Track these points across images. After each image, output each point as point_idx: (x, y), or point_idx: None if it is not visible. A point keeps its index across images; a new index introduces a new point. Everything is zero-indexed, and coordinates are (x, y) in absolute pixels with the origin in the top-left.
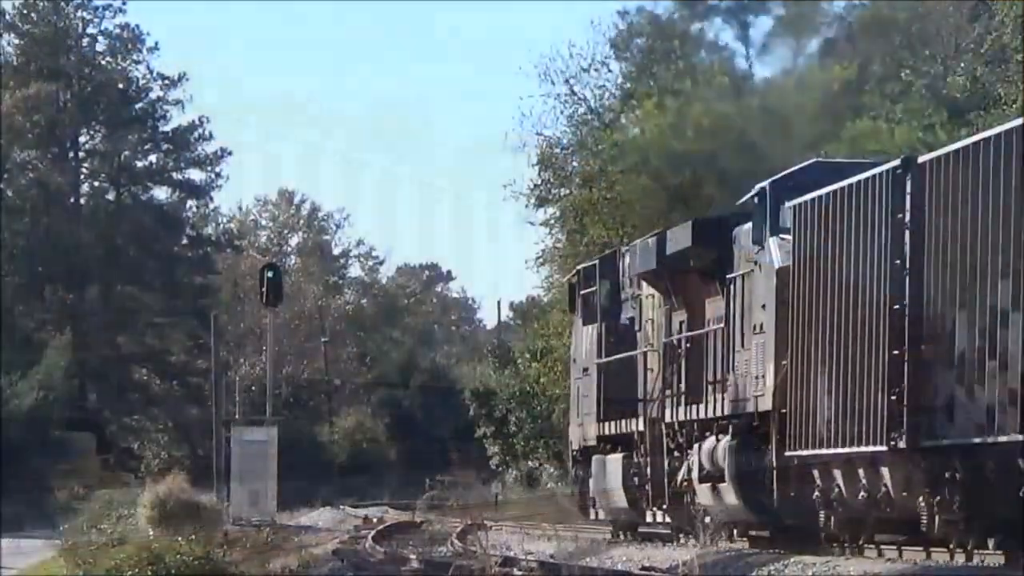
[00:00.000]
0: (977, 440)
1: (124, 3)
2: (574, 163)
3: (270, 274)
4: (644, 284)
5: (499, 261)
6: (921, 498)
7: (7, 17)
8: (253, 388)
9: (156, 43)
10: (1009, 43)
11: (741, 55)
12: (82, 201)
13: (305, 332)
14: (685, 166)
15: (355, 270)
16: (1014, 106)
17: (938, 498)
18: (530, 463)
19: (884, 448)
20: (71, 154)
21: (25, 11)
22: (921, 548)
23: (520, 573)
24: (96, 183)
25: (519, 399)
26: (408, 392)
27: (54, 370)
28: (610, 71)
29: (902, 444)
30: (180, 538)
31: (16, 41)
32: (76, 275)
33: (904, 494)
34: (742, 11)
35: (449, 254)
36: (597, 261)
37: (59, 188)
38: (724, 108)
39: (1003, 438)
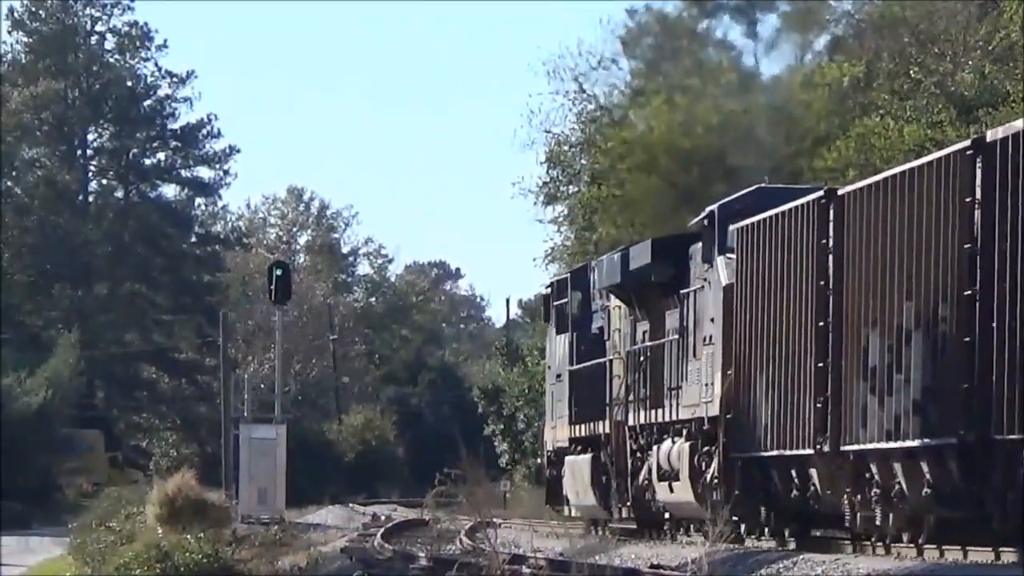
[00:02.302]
0: (886, 444)
1: (132, 1)
2: (583, 161)
3: (279, 272)
4: (612, 296)
5: (508, 259)
6: (844, 496)
7: (15, 15)
8: (262, 386)
9: (164, 41)
10: (1017, 41)
11: (749, 52)
12: (90, 199)
13: (314, 330)
14: (693, 164)
15: (364, 268)
16: (1023, 103)
17: (859, 496)
18: (539, 460)
19: (811, 451)
20: (79, 152)
21: (33, 8)
22: (934, 547)
23: (529, 571)
24: (104, 181)
25: (528, 397)
26: (417, 390)
27: (62, 368)
28: (619, 69)
29: (826, 448)
30: (189, 536)
31: (24, 39)
32: (84, 273)
33: (829, 492)
34: (750, 8)
35: (458, 252)
36: (569, 275)
37: (67, 186)
38: (732, 105)
39: (907, 443)
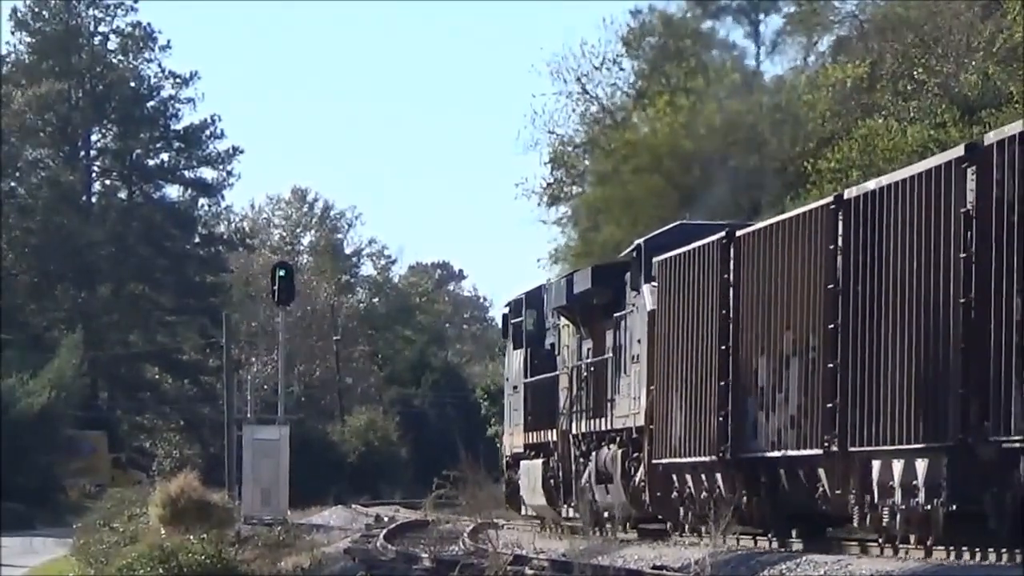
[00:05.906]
0: (771, 453)
1: (136, 1)
2: (586, 161)
3: (282, 273)
4: (561, 316)
5: (511, 260)
6: (744, 497)
7: (19, 15)
8: (265, 387)
9: (168, 41)
10: (1020, 42)
11: (751, 54)
12: (93, 199)
13: (317, 331)
14: (696, 165)
15: (367, 269)
16: None
17: (754, 497)
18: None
19: (715, 458)
20: (82, 152)
21: (37, 9)
22: (938, 547)
23: (531, 572)
24: (107, 181)
25: None
26: (420, 391)
27: (65, 369)
28: (622, 69)
29: (727, 455)
30: (192, 537)
31: (28, 39)
32: (87, 273)
33: (731, 494)
34: (753, 9)
35: (461, 253)
36: (524, 295)
37: (70, 186)
38: (735, 106)
39: (787, 452)
